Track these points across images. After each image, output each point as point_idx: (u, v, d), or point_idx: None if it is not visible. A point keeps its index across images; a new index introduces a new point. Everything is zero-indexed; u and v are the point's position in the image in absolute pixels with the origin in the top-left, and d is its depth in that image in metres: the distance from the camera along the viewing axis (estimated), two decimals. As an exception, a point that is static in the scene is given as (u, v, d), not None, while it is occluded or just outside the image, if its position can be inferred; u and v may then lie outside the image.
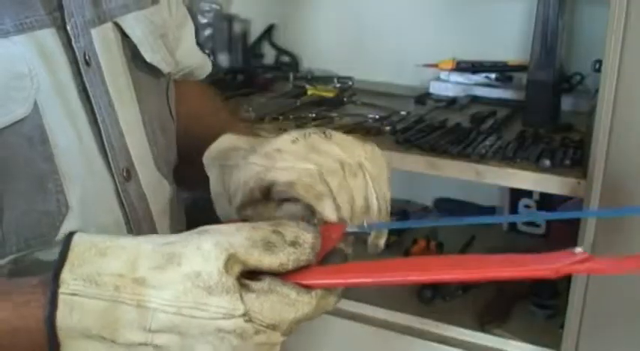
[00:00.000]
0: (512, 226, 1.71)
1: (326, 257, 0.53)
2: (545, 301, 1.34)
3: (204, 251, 0.47)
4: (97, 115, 0.63)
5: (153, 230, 0.70)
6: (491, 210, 1.77)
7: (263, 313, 0.47)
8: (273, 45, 1.94)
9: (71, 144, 0.61)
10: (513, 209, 1.69)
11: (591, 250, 1.10)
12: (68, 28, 0.61)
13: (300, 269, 0.49)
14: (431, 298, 1.38)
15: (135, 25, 0.70)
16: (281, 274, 0.49)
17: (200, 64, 0.94)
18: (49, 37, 0.59)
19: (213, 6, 1.94)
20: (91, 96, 0.62)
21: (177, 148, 0.80)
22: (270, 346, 0.48)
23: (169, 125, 0.77)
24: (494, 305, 1.35)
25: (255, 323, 0.47)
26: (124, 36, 0.69)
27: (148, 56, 0.71)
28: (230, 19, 1.94)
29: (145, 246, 0.49)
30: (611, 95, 1.04)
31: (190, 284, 0.46)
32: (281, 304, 0.47)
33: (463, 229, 1.69)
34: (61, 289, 0.47)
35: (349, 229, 0.58)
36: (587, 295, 1.13)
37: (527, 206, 1.68)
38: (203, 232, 0.49)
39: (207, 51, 1.95)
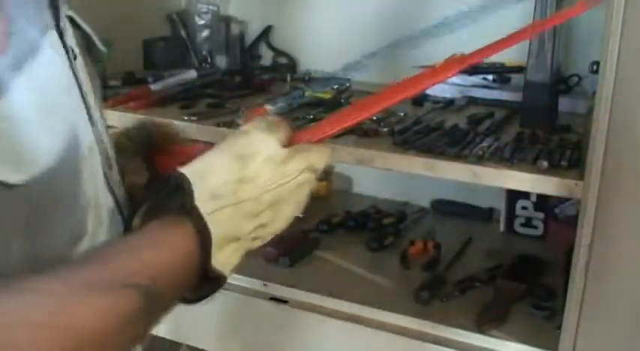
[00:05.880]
0: (510, 227, 1.71)
1: None
2: (543, 302, 1.34)
3: (261, 141, 0.61)
4: (90, 109, 0.65)
5: (128, 214, 0.71)
6: (489, 212, 1.77)
7: (317, 164, 0.63)
8: (271, 46, 1.94)
9: (92, 145, 0.64)
10: (511, 211, 1.70)
11: (589, 251, 1.10)
12: (61, 24, 0.62)
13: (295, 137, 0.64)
14: (428, 300, 1.37)
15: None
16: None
17: None
18: (54, 37, 0.60)
19: (211, 7, 1.94)
20: (83, 91, 0.64)
21: None
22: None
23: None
24: (491, 306, 1.35)
25: (315, 173, 0.63)
26: (77, 28, 0.70)
27: (100, 47, 0.73)
28: (227, 20, 1.94)
29: (220, 160, 0.60)
30: (608, 96, 1.04)
31: (273, 164, 0.60)
32: (321, 153, 0.64)
33: (461, 231, 1.69)
34: (203, 212, 0.57)
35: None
36: (585, 296, 1.13)
37: (524, 207, 1.68)
38: (239, 135, 0.62)
39: (204, 52, 1.96)
